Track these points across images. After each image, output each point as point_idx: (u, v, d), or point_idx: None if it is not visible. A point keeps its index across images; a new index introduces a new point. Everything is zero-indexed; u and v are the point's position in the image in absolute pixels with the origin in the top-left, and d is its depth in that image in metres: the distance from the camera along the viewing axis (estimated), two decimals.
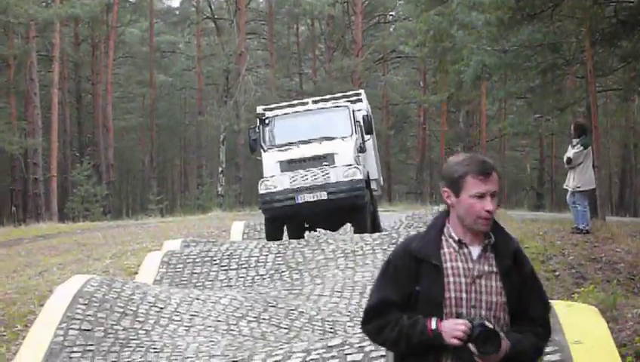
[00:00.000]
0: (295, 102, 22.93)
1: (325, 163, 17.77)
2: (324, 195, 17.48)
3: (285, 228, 19.04)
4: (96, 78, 57.86)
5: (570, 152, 16.82)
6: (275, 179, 17.79)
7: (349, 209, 17.85)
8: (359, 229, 17.90)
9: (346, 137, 18.45)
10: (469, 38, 26.67)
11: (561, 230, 17.26)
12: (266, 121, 19.03)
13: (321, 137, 18.51)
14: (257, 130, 18.93)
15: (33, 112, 46.30)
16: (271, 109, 21.10)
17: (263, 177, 18.11)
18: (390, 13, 63.42)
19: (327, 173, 17.64)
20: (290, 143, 18.53)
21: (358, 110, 19.81)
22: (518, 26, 22.56)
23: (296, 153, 18.09)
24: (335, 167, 17.69)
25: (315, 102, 21.15)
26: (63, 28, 52.53)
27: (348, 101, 20.63)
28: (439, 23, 31.82)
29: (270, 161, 18.15)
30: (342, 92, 24.63)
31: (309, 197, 17.49)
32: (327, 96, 22.80)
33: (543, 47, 23.85)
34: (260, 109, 20.68)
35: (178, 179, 79.89)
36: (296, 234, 19.19)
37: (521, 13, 21.66)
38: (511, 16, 21.54)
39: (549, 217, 24.91)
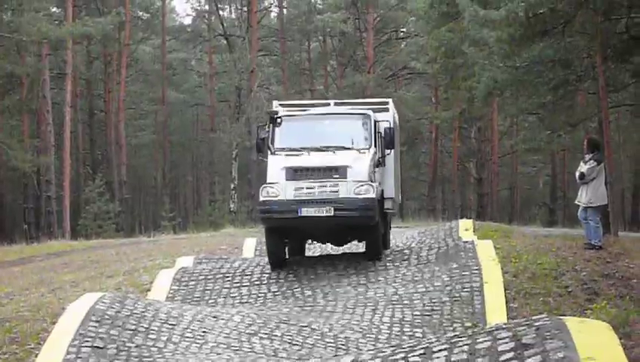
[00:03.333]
0: (316, 101, 21.89)
1: (336, 176, 15.97)
2: (330, 211, 15.74)
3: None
4: (108, 96, 58.12)
5: (584, 168, 16.80)
6: (278, 186, 16.03)
7: (356, 228, 16.58)
8: (370, 251, 16.79)
9: (363, 150, 16.73)
10: (480, 55, 26.70)
11: (573, 246, 17.22)
12: (278, 121, 17.25)
13: (336, 146, 16.80)
14: (267, 128, 17.22)
15: (46, 130, 46.51)
16: (289, 105, 20.03)
17: (265, 183, 16.40)
18: (402, 29, 63.47)
19: (336, 188, 15.87)
20: (301, 149, 16.76)
21: (383, 120, 18.19)
22: (529, 42, 22.57)
23: (305, 161, 16.37)
24: (346, 181, 15.88)
25: (337, 104, 19.88)
26: (76, 46, 52.74)
27: (373, 109, 19.03)
28: (450, 39, 31.89)
29: (275, 166, 16.45)
30: (368, 98, 23.36)
31: (312, 212, 15.77)
32: (352, 100, 21.76)
33: (554, 63, 23.84)
34: (276, 104, 19.25)
35: (190, 196, 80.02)
36: (298, 248, 18.35)
37: (533, 29, 21.68)
38: (522, 32, 21.56)
39: (562, 233, 24.82)
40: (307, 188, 15.94)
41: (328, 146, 16.80)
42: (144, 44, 66.50)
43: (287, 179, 16.07)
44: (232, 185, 51.16)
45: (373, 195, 15.92)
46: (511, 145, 52.14)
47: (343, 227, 16.49)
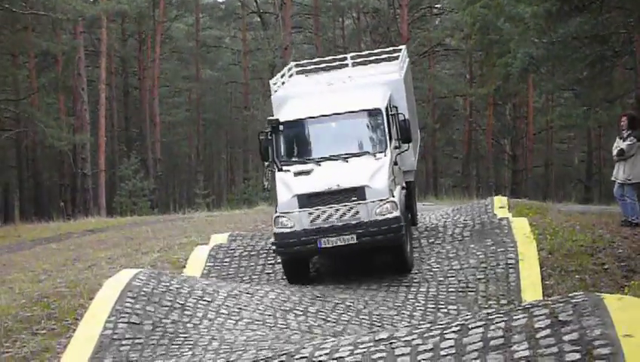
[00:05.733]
0: (334, 57, 20.08)
1: (354, 198, 14.19)
2: (352, 239, 14.10)
3: None
4: (143, 73, 58.30)
5: (623, 144, 16.61)
6: (292, 216, 14.32)
7: (382, 249, 14.91)
8: (397, 266, 14.87)
9: (379, 153, 14.86)
10: (516, 31, 26.50)
11: (609, 223, 17.08)
12: (281, 128, 15.35)
13: (347, 153, 14.95)
14: (270, 136, 15.31)
15: (81, 108, 46.75)
16: (306, 65, 19.41)
17: (276, 210, 14.76)
18: (436, 5, 63.10)
19: (355, 211, 14.19)
20: (309, 159, 15.03)
21: (390, 73, 17.12)
22: (565, 17, 22.38)
23: (316, 183, 14.41)
24: (366, 203, 14.16)
25: (353, 58, 18.51)
26: (110, 24, 52.98)
27: (382, 59, 18.58)
28: (485, 15, 31.65)
29: (285, 191, 14.66)
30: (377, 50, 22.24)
31: (333, 242, 14.14)
32: (365, 52, 20.90)
33: (591, 38, 23.63)
34: (292, 65, 18.40)
35: (224, 173, 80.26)
36: None
37: (569, 4, 21.47)
38: (559, 7, 21.36)
39: (598, 210, 24.60)
40: (324, 215, 14.30)
41: (339, 154, 14.93)
42: (178, 21, 66.61)
43: (300, 207, 14.34)
44: (266, 163, 51.15)
45: (398, 213, 14.31)
46: (546, 122, 51.81)
47: (367, 250, 15.02)
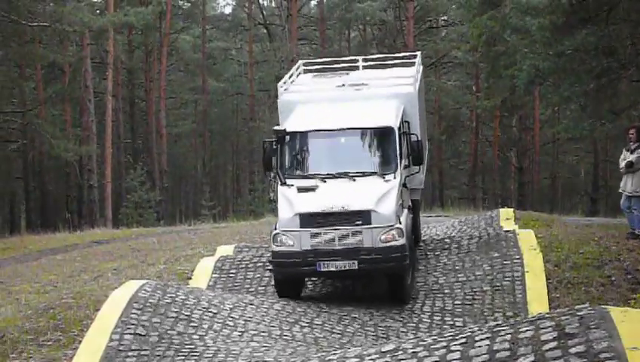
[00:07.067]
0: (344, 58, 19.69)
1: (358, 221, 13.44)
2: (353, 265, 13.38)
3: None
4: (149, 85, 58.39)
5: (632, 156, 16.61)
6: (292, 235, 13.59)
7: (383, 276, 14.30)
8: (395, 295, 14.06)
9: (388, 175, 14.10)
10: (522, 43, 26.49)
11: (616, 235, 17.05)
12: (286, 139, 14.58)
13: (354, 171, 14.14)
14: (275, 146, 14.59)
15: (88, 119, 46.77)
16: (315, 65, 19.17)
17: (276, 227, 13.89)
18: (442, 17, 63.15)
19: (359, 236, 13.45)
20: (315, 175, 14.24)
21: (406, 77, 16.62)
22: (572, 30, 22.36)
23: (320, 203, 13.60)
24: (370, 228, 13.42)
25: (365, 60, 18.13)
26: (117, 35, 53.06)
27: (398, 64, 18.36)
28: (492, 27, 31.66)
29: (287, 208, 13.84)
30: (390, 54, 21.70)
31: (334, 266, 13.44)
32: (377, 56, 20.37)
33: (597, 50, 23.58)
34: (300, 63, 18.29)
35: (230, 185, 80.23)
36: None
37: (576, 16, 21.47)
38: (565, 20, 21.37)
39: (604, 222, 24.58)
40: (326, 238, 13.54)
41: (346, 172, 14.16)
42: (185, 33, 66.75)
43: (301, 226, 13.60)
44: (272, 174, 51.15)
45: (403, 240, 13.56)
46: (553, 134, 51.77)
47: (367, 276, 14.53)
